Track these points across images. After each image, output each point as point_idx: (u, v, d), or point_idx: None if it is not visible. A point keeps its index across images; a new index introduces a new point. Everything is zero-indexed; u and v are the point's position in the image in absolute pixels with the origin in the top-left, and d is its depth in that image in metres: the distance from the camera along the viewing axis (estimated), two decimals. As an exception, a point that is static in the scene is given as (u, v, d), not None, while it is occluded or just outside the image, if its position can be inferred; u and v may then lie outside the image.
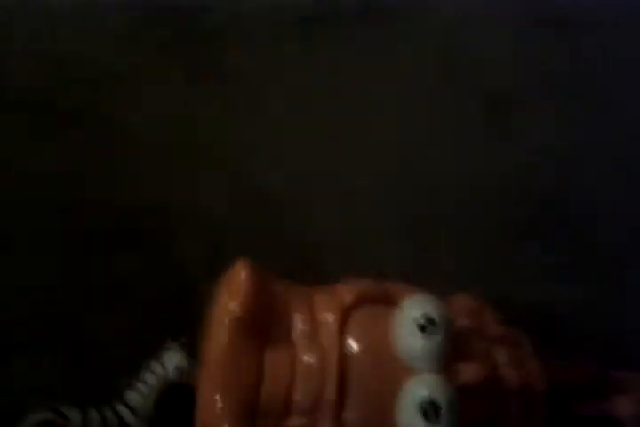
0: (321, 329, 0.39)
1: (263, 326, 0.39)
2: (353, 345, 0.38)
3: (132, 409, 0.41)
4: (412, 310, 0.39)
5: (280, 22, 0.59)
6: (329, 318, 0.39)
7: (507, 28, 0.59)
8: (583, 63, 0.59)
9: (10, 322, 0.46)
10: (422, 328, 0.37)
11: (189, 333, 0.42)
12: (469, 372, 0.37)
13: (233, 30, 0.58)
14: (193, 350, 0.41)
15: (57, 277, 0.48)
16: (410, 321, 0.38)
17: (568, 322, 0.48)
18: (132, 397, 0.41)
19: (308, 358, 0.38)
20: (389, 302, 0.41)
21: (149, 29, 0.57)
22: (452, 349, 0.37)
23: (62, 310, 0.47)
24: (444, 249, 0.52)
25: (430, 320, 0.37)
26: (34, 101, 0.53)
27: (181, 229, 0.51)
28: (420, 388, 0.36)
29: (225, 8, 0.58)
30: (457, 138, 0.55)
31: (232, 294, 0.39)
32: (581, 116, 0.56)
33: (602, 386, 0.42)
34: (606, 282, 0.51)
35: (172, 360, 0.41)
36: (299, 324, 0.40)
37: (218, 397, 0.37)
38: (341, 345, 0.38)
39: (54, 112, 0.53)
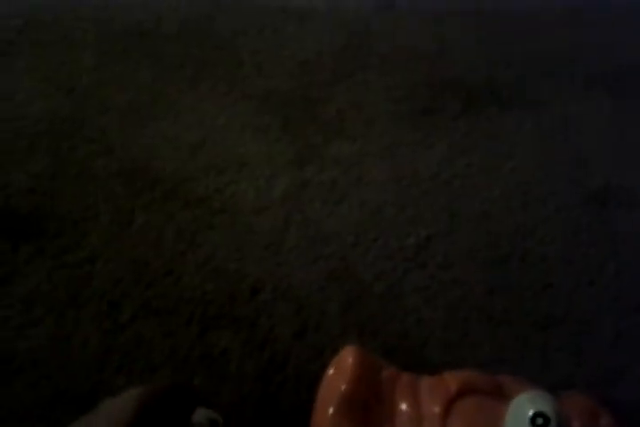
0: (424, 417, 0.39)
1: (368, 408, 0.39)
2: (458, 432, 0.38)
3: None
4: (526, 405, 0.38)
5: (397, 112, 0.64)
6: (433, 406, 0.39)
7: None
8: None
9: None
10: (533, 423, 0.36)
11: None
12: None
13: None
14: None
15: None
16: (523, 417, 0.37)
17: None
18: None
19: (411, 442, 0.38)
20: (499, 394, 0.40)
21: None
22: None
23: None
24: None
25: (544, 417, 0.36)
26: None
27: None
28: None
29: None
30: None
31: (340, 375, 0.40)
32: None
33: None
34: None
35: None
36: (403, 409, 0.40)
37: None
38: (445, 434, 0.38)
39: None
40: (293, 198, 0.59)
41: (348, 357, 0.41)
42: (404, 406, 0.40)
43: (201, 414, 0.40)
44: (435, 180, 0.60)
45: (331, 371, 0.41)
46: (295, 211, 0.58)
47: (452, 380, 0.41)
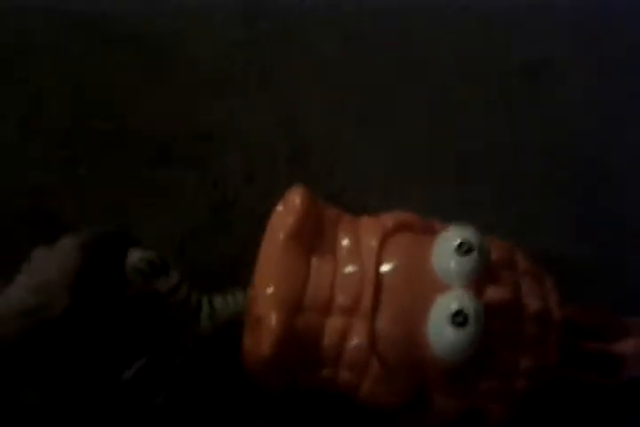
0: (363, 248, 0.43)
1: (312, 239, 0.43)
2: (390, 262, 0.42)
3: (212, 309, 0.44)
4: (452, 235, 0.42)
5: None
6: (371, 239, 0.43)
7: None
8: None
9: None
10: (459, 250, 0.41)
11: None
12: (496, 293, 0.40)
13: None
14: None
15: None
16: (449, 243, 0.41)
17: (587, 274, 0.52)
18: (219, 301, 0.45)
19: (349, 268, 0.42)
20: (430, 232, 0.44)
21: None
22: (484, 271, 0.41)
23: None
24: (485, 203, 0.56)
25: (468, 243, 0.41)
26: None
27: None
28: (451, 300, 0.39)
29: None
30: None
31: (288, 210, 0.43)
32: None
33: (611, 328, 0.45)
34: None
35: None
36: (343, 242, 0.43)
37: (269, 286, 0.40)
38: (379, 262, 0.42)
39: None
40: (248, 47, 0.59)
41: (296, 195, 0.44)
42: (344, 242, 0.43)
43: (136, 256, 0.42)
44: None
45: (280, 207, 0.44)
46: (251, 58, 0.59)
47: (389, 218, 0.45)
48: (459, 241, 0.41)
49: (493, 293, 0.40)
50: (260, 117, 0.57)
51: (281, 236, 0.43)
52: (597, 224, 0.54)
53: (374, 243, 0.43)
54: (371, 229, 0.44)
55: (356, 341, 0.40)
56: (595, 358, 0.45)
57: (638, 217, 0.55)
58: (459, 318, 0.38)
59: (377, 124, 0.58)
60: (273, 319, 0.39)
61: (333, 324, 0.40)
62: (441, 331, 0.39)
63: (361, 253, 0.43)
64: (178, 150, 0.55)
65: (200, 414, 0.45)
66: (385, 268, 0.42)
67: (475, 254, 0.40)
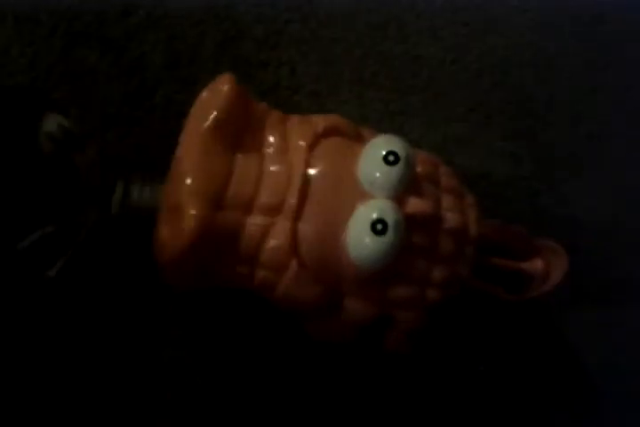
0: (290, 147, 0.41)
1: (237, 134, 0.41)
2: (317, 165, 0.40)
3: (126, 197, 0.42)
4: (379, 144, 0.41)
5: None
6: (299, 140, 0.41)
7: None
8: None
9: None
10: (385, 160, 0.40)
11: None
12: (417, 204, 0.40)
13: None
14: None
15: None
16: (375, 152, 0.40)
17: (506, 194, 0.53)
18: (135, 190, 0.42)
19: (274, 166, 0.40)
20: (360, 139, 0.43)
21: None
22: (408, 183, 0.40)
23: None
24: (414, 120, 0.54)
25: (393, 153, 0.40)
26: None
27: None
28: (373, 208, 0.39)
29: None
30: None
31: (214, 98, 0.41)
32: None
33: (523, 248, 0.47)
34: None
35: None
36: (271, 139, 0.41)
37: (190, 177, 0.38)
38: (307, 163, 0.40)
39: None
40: None
41: (224, 83, 0.41)
42: (271, 138, 0.42)
43: (52, 121, 0.38)
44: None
45: (205, 94, 0.41)
46: None
47: (320, 120, 0.43)
48: (385, 151, 0.40)
49: (414, 205, 0.40)
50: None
51: (204, 125, 0.40)
52: (525, 152, 0.55)
53: (304, 144, 0.41)
54: (301, 129, 0.42)
55: (276, 240, 0.39)
56: (504, 275, 0.47)
57: (566, 146, 0.56)
58: (378, 226, 0.38)
59: (317, 22, 0.55)
60: (192, 210, 0.38)
61: (255, 222, 0.39)
62: (360, 238, 0.38)
63: (288, 153, 0.41)
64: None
65: (95, 291, 0.44)
66: (312, 170, 0.40)
67: (400, 166, 0.40)
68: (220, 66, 0.51)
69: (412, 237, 0.40)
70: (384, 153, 0.40)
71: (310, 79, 0.53)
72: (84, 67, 0.49)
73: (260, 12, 0.54)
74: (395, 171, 0.40)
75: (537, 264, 0.46)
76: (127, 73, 0.49)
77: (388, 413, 0.47)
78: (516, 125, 0.55)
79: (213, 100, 0.41)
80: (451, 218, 0.42)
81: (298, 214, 0.39)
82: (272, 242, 0.39)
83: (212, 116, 0.40)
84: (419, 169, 0.42)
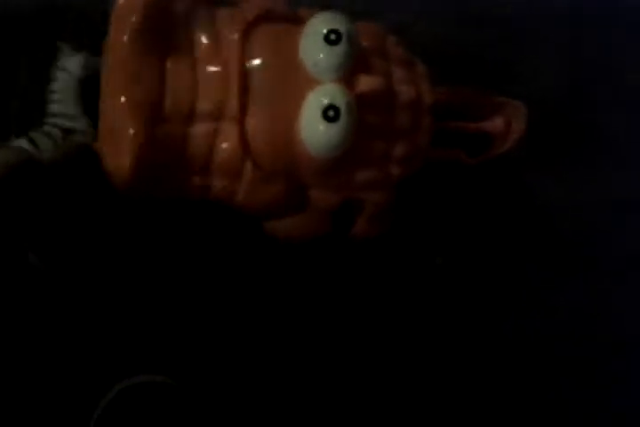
0: (223, 43, 0.38)
1: (164, 37, 0.37)
2: (256, 57, 0.37)
3: (60, 116, 0.39)
4: (319, 23, 0.37)
5: None
6: (231, 33, 0.38)
7: None
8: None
9: None
10: (327, 40, 0.36)
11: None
12: (367, 83, 0.37)
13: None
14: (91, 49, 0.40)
15: None
16: (316, 33, 0.37)
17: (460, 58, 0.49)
18: (55, 107, 0.40)
19: (209, 67, 0.37)
20: (298, 22, 0.39)
21: None
22: (354, 62, 0.37)
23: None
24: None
25: (335, 32, 0.36)
26: None
27: None
28: (322, 95, 0.36)
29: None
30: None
31: (131, 4, 0.36)
32: None
33: (481, 108, 0.44)
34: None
35: (73, 62, 0.40)
36: (200, 38, 0.38)
37: (121, 94, 0.35)
38: (244, 57, 0.37)
39: None
40: None
41: (137, -17, 0.37)
42: (201, 38, 0.38)
43: None
44: None
45: (121, 1, 0.37)
46: None
47: (250, 7, 0.39)
48: (326, 30, 0.36)
49: (365, 83, 0.37)
50: None
51: (126, 35, 0.36)
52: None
53: (235, 36, 0.37)
54: (230, 20, 0.38)
55: (225, 145, 0.36)
56: (465, 137, 0.44)
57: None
58: (330, 113, 0.35)
59: None
60: (131, 129, 0.35)
61: (199, 130, 0.37)
62: (314, 127, 0.36)
63: (222, 50, 0.38)
64: None
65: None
66: (250, 64, 0.37)
67: (343, 44, 0.36)
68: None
69: (367, 117, 0.37)
70: (325, 32, 0.36)
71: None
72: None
73: None
74: (338, 50, 0.36)
75: (497, 122, 0.44)
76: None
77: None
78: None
79: (131, 7, 0.36)
80: (404, 91, 0.39)
81: (243, 114, 0.36)
82: (221, 148, 0.36)
83: (132, 25, 0.36)
84: (364, 43, 0.39)
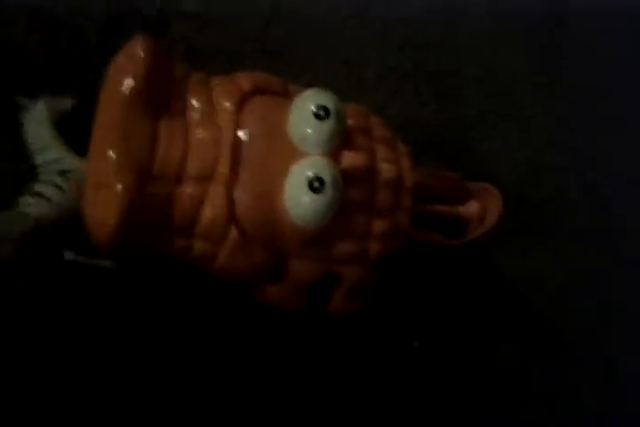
0: (217, 111, 0.38)
1: (158, 101, 0.37)
2: (248, 127, 0.38)
3: (49, 163, 0.39)
4: (308, 99, 0.38)
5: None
6: (225, 101, 0.38)
7: None
8: None
9: None
10: (315, 114, 0.37)
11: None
12: (352, 158, 0.38)
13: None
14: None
15: None
16: (304, 108, 0.38)
17: (439, 137, 0.51)
18: (39, 157, 0.39)
19: (202, 132, 0.37)
20: (287, 96, 0.40)
21: None
22: (340, 138, 0.38)
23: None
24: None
25: (323, 108, 0.37)
26: None
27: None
28: (308, 166, 0.37)
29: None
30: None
31: (130, 62, 0.37)
32: None
33: (459, 193, 0.45)
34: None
35: (36, 111, 0.40)
36: (195, 104, 0.38)
37: (112, 150, 0.35)
38: (236, 126, 0.38)
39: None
40: None
41: (138, 45, 0.37)
42: (196, 103, 0.38)
43: None
44: None
45: (120, 58, 0.37)
46: None
47: (245, 79, 0.40)
48: (315, 105, 0.37)
49: (349, 159, 0.38)
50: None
51: (121, 94, 0.36)
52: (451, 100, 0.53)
53: (231, 105, 0.38)
54: (226, 89, 0.39)
55: (212, 209, 0.36)
56: (442, 221, 0.45)
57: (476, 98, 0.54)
58: (315, 184, 0.36)
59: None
60: (118, 184, 0.34)
61: (187, 191, 0.36)
62: (298, 197, 0.36)
63: (215, 117, 0.38)
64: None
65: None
66: (241, 132, 0.38)
67: (331, 120, 0.37)
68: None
69: (350, 192, 0.38)
70: (314, 108, 0.37)
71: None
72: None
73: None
74: (326, 125, 0.37)
75: (472, 207, 0.45)
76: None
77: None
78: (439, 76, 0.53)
79: (129, 66, 0.37)
80: (386, 169, 0.40)
81: (231, 181, 0.36)
82: (207, 212, 0.36)
83: (128, 84, 0.36)
84: (350, 121, 0.40)
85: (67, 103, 0.41)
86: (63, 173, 0.38)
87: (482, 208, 0.45)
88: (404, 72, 0.52)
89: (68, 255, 0.38)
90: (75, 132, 0.39)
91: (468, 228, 0.45)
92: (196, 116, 0.38)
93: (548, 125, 0.54)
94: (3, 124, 0.42)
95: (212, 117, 0.38)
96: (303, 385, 0.45)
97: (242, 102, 0.38)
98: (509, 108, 0.53)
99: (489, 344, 0.48)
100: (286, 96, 0.40)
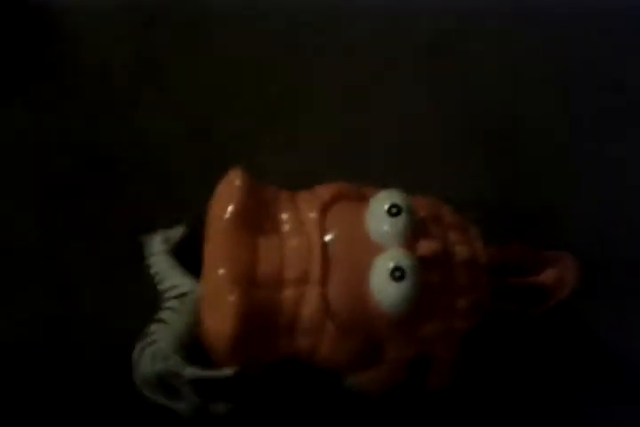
0: (304, 222, 0.44)
1: (255, 221, 0.44)
2: (332, 231, 0.43)
3: (169, 289, 0.45)
4: (381, 200, 0.44)
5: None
6: (310, 212, 0.45)
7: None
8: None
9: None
10: (389, 212, 0.42)
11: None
12: (427, 246, 0.43)
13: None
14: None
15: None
16: (379, 208, 0.43)
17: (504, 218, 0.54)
18: (162, 285, 0.46)
19: (294, 241, 0.43)
20: (363, 199, 0.46)
21: None
22: (414, 229, 0.43)
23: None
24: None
25: (396, 206, 0.43)
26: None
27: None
28: (389, 259, 0.41)
29: None
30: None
31: (229, 192, 0.44)
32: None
33: (534, 263, 0.48)
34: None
35: (153, 245, 0.48)
36: (285, 218, 0.45)
37: (221, 268, 0.41)
38: (322, 232, 0.43)
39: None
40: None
41: (234, 177, 0.45)
42: (285, 216, 0.45)
43: None
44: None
45: (220, 188, 0.45)
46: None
47: (325, 190, 0.46)
48: (388, 205, 0.43)
49: (425, 247, 0.43)
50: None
51: (225, 218, 0.43)
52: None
53: (314, 215, 0.44)
54: (309, 202, 0.45)
55: (310, 307, 0.41)
56: (522, 291, 0.48)
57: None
58: (397, 274, 0.40)
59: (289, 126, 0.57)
60: (231, 297, 0.41)
61: (287, 295, 0.42)
62: (383, 287, 0.41)
63: (303, 227, 0.44)
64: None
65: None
66: (327, 237, 0.43)
67: (403, 215, 0.42)
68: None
69: (430, 276, 0.42)
70: (387, 207, 0.43)
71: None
72: (89, 217, 0.51)
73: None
74: (400, 221, 0.42)
75: (549, 275, 0.48)
76: (123, 213, 0.52)
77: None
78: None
79: (229, 194, 0.44)
80: (460, 251, 0.44)
81: (324, 280, 0.42)
82: (306, 310, 0.42)
83: (230, 210, 0.43)
84: (422, 213, 0.45)
85: (179, 232, 0.49)
86: (180, 296, 0.44)
87: (558, 274, 0.48)
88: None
89: (189, 372, 0.42)
90: (189, 257, 0.46)
91: (548, 295, 0.48)
92: (286, 228, 0.44)
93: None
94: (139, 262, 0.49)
95: (301, 228, 0.44)
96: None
97: (324, 211, 0.44)
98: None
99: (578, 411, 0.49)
100: (363, 199, 0.46)
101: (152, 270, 0.47)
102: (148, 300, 0.46)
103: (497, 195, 0.56)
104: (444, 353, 0.43)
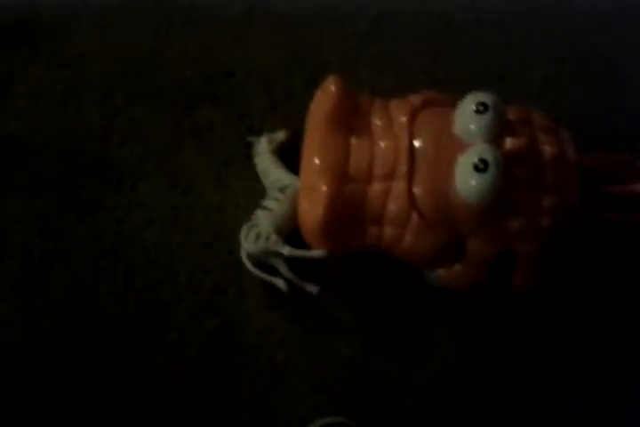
0: (394, 124, 0.46)
1: (349, 121, 0.47)
2: (420, 133, 0.45)
3: (273, 182, 0.49)
4: (469, 99, 0.45)
5: None
6: (401, 116, 0.46)
7: None
8: None
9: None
10: (477, 110, 0.43)
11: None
12: (513, 142, 0.43)
13: None
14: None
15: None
16: (466, 107, 0.44)
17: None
18: (266, 180, 0.50)
19: (384, 141, 0.46)
20: (451, 105, 0.46)
21: None
22: (501, 128, 0.43)
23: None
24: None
25: (483, 104, 0.43)
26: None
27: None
28: (474, 153, 0.42)
29: None
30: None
31: (326, 95, 0.47)
32: None
33: (628, 171, 0.48)
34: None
35: (260, 146, 0.52)
36: (377, 122, 0.47)
37: (317, 159, 0.45)
38: (410, 133, 0.45)
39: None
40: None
41: (331, 82, 0.47)
42: (378, 122, 0.47)
43: None
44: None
45: (318, 93, 0.48)
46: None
47: (415, 97, 0.48)
48: (475, 103, 0.44)
49: (510, 143, 0.43)
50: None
51: (322, 117, 0.47)
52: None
53: (404, 119, 0.46)
54: (400, 108, 0.47)
55: (396, 200, 0.44)
56: (617, 200, 0.48)
57: None
58: (480, 165, 0.41)
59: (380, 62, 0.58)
60: (324, 185, 0.44)
61: (376, 188, 0.44)
62: (466, 179, 0.42)
63: (394, 130, 0.46)
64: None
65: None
66: (415, 138, 0.45)
67: (490, 112, 0.43)
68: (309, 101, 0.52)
69: (515, 172, 0.43)
70: (474, 105, 0.44)
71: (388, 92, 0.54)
72: (203, 121, 0.56)
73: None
74: (486, 117, 0.43)
75: (644, 185, 0.47)
76: (237, 118, 0.56)
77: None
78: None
79: (325, 98, 0.47)
80: (548, 150, 0.44)
81: (410, 176, 0.44)
82: (393, 202, 0.44)
83: (326, 110, 0.46)
84: (511, 116, 0.45)
85: (282, 136, 0.52)
86: (282, 188, 0.48)
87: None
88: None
89: (286, 250, 0.46)
90: (291, 156, 0.50)
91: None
92: (378, 130, 0.46)
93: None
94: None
95: (391, 130, 0.46)
96: (492, 358, 0.49)
97: (414, 115, 0.46)
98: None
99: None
100: (450, 105, 0.46)
101: (258, 168, 0.51)
102: (255, 193, 0.51)
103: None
104: (529, 250, 0.44)
